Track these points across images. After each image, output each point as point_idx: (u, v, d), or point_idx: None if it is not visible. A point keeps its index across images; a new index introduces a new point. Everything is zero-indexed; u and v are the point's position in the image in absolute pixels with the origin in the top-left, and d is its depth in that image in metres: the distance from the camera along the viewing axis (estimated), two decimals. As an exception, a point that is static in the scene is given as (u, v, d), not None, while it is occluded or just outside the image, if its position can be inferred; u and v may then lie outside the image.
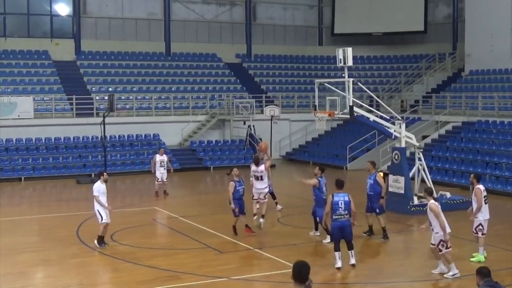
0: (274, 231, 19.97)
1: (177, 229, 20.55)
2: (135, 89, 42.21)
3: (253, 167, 20.22)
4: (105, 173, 18.69)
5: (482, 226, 16.05)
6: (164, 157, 27.78)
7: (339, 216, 15.44)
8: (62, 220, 22.05)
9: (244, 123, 40.43)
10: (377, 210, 18.74)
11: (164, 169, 27.38)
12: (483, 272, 9.85)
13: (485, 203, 16.13)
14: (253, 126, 39.85)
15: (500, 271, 14.80)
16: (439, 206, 15.27)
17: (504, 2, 38.58)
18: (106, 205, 18.13)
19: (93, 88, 41.46)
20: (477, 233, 16.13)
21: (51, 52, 43.36)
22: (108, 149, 35.68)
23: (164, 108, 41.08)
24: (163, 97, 41.88)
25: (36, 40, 43.62)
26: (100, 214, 17.89)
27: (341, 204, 15.42)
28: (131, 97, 40.75)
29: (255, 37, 49.37)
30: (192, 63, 46.25)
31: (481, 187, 16.19)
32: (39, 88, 39.92)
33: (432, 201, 15.43)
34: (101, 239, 17.79)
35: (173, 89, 42.98)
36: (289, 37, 50.50)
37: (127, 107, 40.25)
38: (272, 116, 38.77)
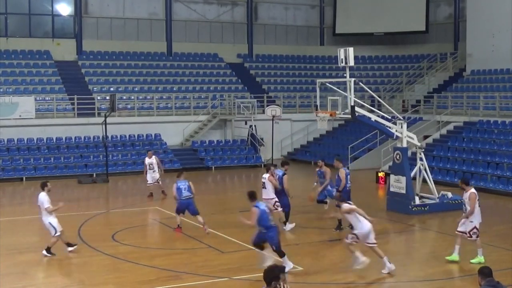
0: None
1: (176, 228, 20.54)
2: (136, 89, 42.23)
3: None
4: (48, 183, 17.84)
5: (477, 229, 16.04)
6: (153, 159, 27.49)
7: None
8: (63, 220, 21.99)
9: (246, 123, 40.41)
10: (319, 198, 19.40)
11: (154, 171, 27.16)
12: (484, 272, 9.85)
13: (479, 206, 16.16)
14: (255, 126, 39.85)
15: (501, 271, 14.79)
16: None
17: (505, 2, 38.53)
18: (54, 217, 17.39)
19: (95, 88, 41.47)
20: (471, 236, 16.08)
21: (53, 52, 43.37)
22: (110, 149, 35.70)
23: (165, 108, 41.09)
24: (164, 97, 41.89)
25: (37, 40, 43.63)
26: (54, 227, 17.31)
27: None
28: (132, 97, 40.76)
29: (257, 37, 49.37)
30: (193, 63, 46.25)
31: (474, 190, 16.19)
32: (41, 88, 39.94)
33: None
34: (49, 249, 17.48)
35: (174, 89, 43.00)
36: (290, 37, 50.50)
37: (129, 107, 40.26)
38: (273, 116, 38.75)
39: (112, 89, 41.13)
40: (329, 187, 20.93)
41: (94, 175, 34.22)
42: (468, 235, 16.09)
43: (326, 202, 21.18)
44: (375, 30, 48.12)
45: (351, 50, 22.30)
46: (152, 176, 27.08)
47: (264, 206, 15.50)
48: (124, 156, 37.07)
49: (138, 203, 26.71)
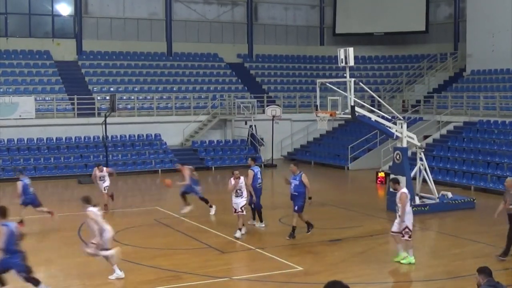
0: (275, 231, 19.97)
1: (178, 229, 20.57)
2: (136, 89, 42.24)
3: None
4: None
5: (409, 229, 16.04)
6: (104, 173, 25.16)
7: None
8: (64, 220, 22.04)
9: (246, 123, 40.44)
10: (296, 208, 18.80)
11: (104, 182, 25.18)
12: (486, 272, 9.85)
13: (410, 206, 16.40)
14: (255, 126, 39.88)
15: (502, 271, 14.81)
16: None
17: (505, 2, 38.56)
18: None
19: (95, 88, 41.49)
20: (403, 236, 16.09)
21: (53, 52, 43.39)
22: (110, 149, 35.70)
23: (165, 108, 41.11)
24: (164, 97, 41.92)
25: (37, 40, 43.64)
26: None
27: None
28: (132, 97, 40.78)
29: (257, 37, 49.39)
30: (193, 63, 46.28)
31: (405, 190, 16.30)
32: (41, 88, 39.95)
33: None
34: None
35: (174, 89, 43.02)
36: (290, 37, 50.51)
37: (129, 107, 40.29)
38: (273, 116, 38.78)
39: (112, 89, 41.15)
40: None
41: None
42: (401, 234, 16.12)
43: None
44: (375, 30, 48.13)
45: (351, 50, 22.31)
46: (104, 186, 24.97)
47: (14, 226, 13.39)
48: (124, 156, 37.09)
49: (138, 203, 26.73)
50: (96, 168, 25.31)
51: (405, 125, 23.76)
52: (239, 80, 45.62)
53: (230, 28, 48.79)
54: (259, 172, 20.47)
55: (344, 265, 15.83)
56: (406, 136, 23.59)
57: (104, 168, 25.48)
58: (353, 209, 24.07)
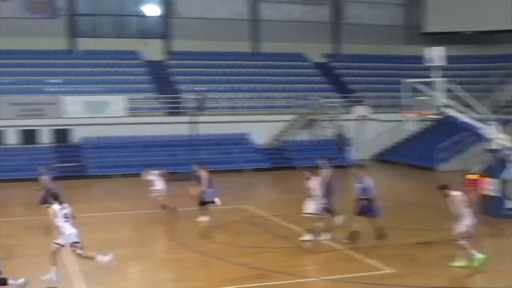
0: (365, 232, 19.78)
1: (267, 228, 20.67)
2: (224, 88, 42.67)
3: None
4: None
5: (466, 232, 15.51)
6: (153, 176, 24.43)
7: None
8: (156, 216, 22.47)
9: (332, 123, 40.27)
10: (368, 214, 18.30)
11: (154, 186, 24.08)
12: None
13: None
14: (342, 126, 39.67)
15: None
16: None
17: None
18: None
19: (183, 88, 42.12)
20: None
21: (142, 52, 44.30)
22: (197, 147, 36.16)
23: (252, 108, 41.35)
24: (252, 96, 42.18)
25: (127, 40, 44.61)
26: None
27: None
28: (220, 97, 41.21)
29: (342, 36, 49.11)
30: (279, 63, 46.40)
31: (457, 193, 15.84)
32: (131, 87, 40.83)
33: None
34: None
35: (261, 88, 43.25)
36: (375, 36, 50.02)
37: (217, 106, 40.70)
38: (360, 116, 38.49)
39: (200, 88, 41.70)
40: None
41: (181, 173, 34.70)
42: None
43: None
44: (464, 29, 47.11)
45: (442, 49, 21.97)
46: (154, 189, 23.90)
47: None
48: (212, 155, 37.49)
49: (227, 201, 26.93)
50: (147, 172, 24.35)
51: (497, 126, 23.19)
52: (325, 80, 45.49)
53: (315, 28, 48.69)
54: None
55: (436, 268, 15.56)
56: (498, 137, 23.02)
57: (156, 172, 24.38)
58: (442, 211, 23.61)
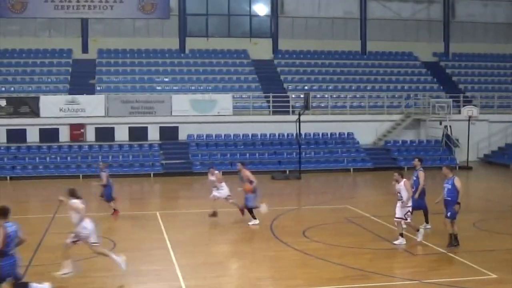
0: (468, 236, 19.30)
1: (368, 228, 20.50)
2: (330, 87, 42.56)
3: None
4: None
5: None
6: (215, 177, 22.77)
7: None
8: (257, 214, 22.66)
9: (440, 123, 39.45)
10: (448, 214, 17.55)
11: (217, 190, 22.62)
12: None
13: None
14: (450, 126, 38.79)
15: None
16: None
17: None
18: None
19: (289, 87, 42.30)
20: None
21: (250, 51, 44.78)
22: (303, 146, 36.25)
23: (358, 107, 41.07)
24: (358, 96, 41.89)
25: (236, 39, 45.23)
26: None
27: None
28: (326, 96, 41.15)
29: (454, 35, 48.03)
30: (387, 62, 45.89)
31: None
32: (238, 86, 41.36)
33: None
34: None
35: (368, 88, 42.88)
36: (489, 34, 48.61)
37: (322, 105, 40.66)
38: (470, 117, 37.52)
39: (306, 87, 41.79)
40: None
41: (287, 172, 34.89)
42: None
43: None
44: None
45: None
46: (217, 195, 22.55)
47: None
48: (317, 154, 37.49)
49: (329, 200, 26.91)
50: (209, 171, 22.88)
51: None
52: (434, 79, 44.62)
53: (425, 26, 47.84)
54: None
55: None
56: None
57: (216, 172, 22.64)
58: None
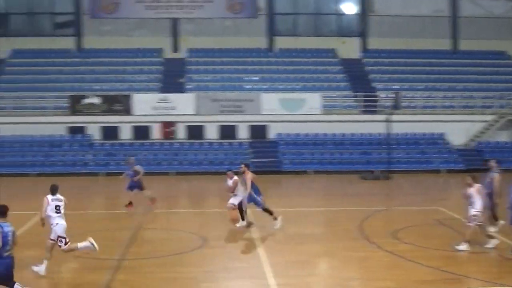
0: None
1: (459, 231, 20.08)
2: (420, 87, 41.93)
3: None
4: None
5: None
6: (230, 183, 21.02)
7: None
8: (347, 214, 22.60)
9: (535, 124, 38.36)
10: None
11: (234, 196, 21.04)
12: None
13: None
14: (545, 127, 37.67)
15: None
16: None
17: None
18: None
19: (378, 86, 41.89)
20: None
21: (338, 50, 44.59)
22: (393, 146, 35.87)
23: (450, 107, 40.30)
24: (449, 95, 41.12)
25: (324, 38, 45.12)
26: None
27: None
28: (416, 95, 40.57)
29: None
30: (479, 61, 44.85)
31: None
32: (327, 85, 41.23)
33: None
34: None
35: (459, 87, 42.03)
36: None
37: (412, 105, 40.10)
38: None
39: (395, 87, 41.29)
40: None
41: (376, 172, 34.61)
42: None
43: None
44: None
45: None
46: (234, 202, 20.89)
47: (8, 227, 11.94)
48: (408, 154, 37.02)
49: (420, 202, 26.53)
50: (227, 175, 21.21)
51: None
52: (530, 79, 43.39)
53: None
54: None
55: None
56: None
57: (235, 176, 20.78)
58: None
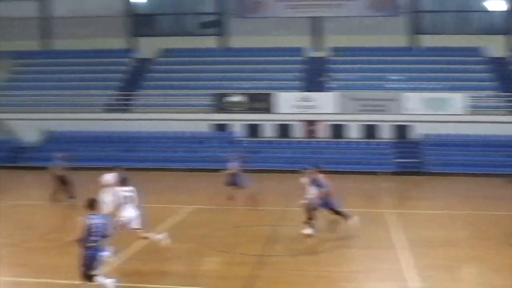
0: None
1: None
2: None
3: None
4: None
5: None
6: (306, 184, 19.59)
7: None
8: (494, 218, 21.88)
9: None
10: None
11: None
12: None
13: None
14: None
15: None
16: None
17: None
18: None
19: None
20: None
21: (484, 49, 43.27)
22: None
23: None
24: None
25: (468, 36, 43.88)
26: None
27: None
28: None
29: None
30: None
31: None
32: (472, 85, 40.07)
33: None
34: None
35: None
36: None
37: None
38: None
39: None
40: None
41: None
42: None
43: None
44: None
45: None
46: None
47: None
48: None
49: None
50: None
51: None
52: None
53: None
54: None
55: None
56: None
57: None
58: None
